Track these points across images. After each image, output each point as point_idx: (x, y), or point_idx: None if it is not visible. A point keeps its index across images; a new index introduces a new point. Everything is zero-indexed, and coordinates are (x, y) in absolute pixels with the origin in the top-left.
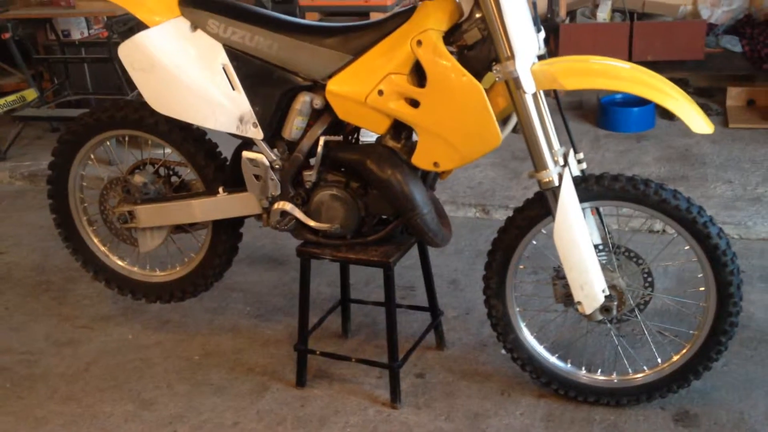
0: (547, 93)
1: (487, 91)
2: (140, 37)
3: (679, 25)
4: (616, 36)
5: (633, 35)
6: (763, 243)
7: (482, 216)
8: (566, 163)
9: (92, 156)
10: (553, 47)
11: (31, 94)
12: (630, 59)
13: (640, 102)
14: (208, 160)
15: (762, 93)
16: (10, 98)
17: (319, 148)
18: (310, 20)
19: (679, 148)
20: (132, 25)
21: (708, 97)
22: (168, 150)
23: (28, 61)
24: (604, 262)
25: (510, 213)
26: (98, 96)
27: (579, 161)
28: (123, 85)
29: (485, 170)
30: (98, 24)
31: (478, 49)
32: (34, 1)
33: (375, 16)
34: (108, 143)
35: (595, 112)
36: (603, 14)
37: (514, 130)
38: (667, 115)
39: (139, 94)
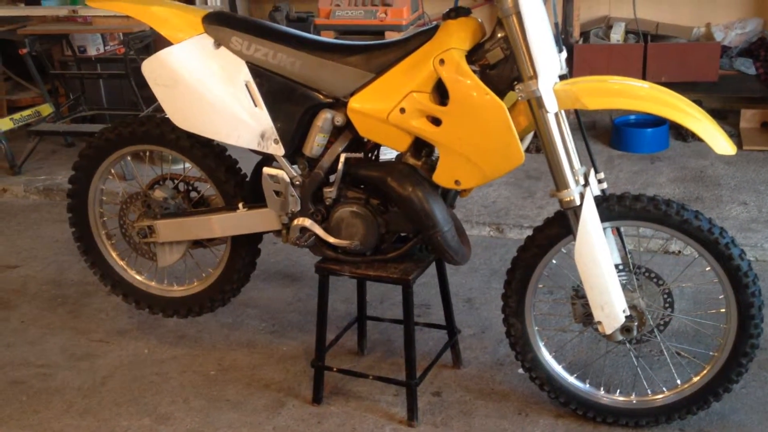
0: (567, 113)
1: (508, 110)
2: (164, 53)
3: (692, 47)
4: (630, 57)
5: (647, 56)
6: None
7: (497, 235)
8: (587, 183)
9: (112, 171)
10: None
11: (46, 109)
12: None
13: (654, 123)
14: (228, 175)
15: None
16: (26, 113)
17: (340, 165)
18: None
19: (694, 169)
20: (148, 42)
21: (721, 119)
22: (188, 165)
23: (44, 77)
24: (624, 282)
25: (524, 232)
26: (113, 111)
27: (599, 181)
28: (138, 101)
29: (499, 189)
30: (114, 41)
31: (501, 68)
32: (51, 18)
33: (390, 35)
34: (129, 158)
35: (608, 133)
36: (617, 35)
37: (527, 150)
38: (681, 136)
39: (155, 110)
